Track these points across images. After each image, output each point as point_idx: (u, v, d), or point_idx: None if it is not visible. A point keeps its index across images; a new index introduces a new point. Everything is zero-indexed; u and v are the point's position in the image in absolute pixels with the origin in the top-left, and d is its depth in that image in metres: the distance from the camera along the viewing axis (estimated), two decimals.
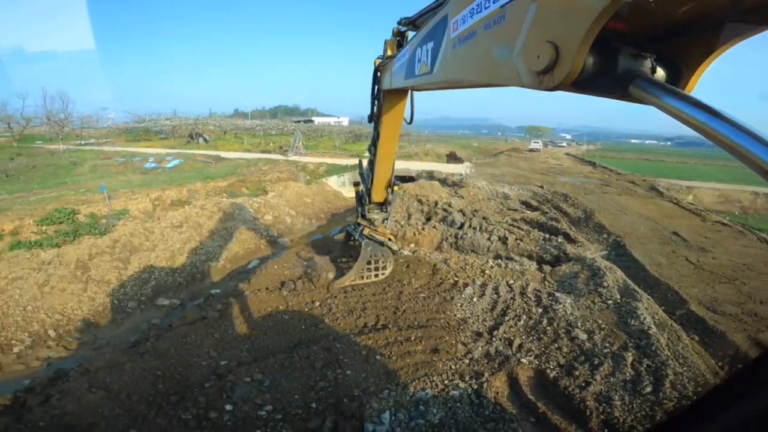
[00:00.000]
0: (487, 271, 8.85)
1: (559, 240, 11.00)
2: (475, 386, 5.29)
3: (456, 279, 8.51)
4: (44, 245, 11.10)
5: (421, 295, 7.87)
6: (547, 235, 11.33)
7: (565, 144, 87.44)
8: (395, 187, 8.51)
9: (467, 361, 5.87)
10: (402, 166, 25.95)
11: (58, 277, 10.33)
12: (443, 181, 19.93)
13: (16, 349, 9.07)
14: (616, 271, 8.92)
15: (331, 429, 4.88)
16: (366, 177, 8.67)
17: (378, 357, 6.05)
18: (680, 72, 1.49)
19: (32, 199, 15.07)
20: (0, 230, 11.27)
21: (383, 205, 8.59)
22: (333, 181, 21.98)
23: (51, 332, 9.63)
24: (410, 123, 5.95)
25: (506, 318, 6.95)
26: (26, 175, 22.51)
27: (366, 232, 8.58)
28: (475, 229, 11.79)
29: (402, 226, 11.99)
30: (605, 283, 8.02)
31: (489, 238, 11.06)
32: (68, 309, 10.14)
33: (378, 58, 5.91)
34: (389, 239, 8.84)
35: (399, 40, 5.49)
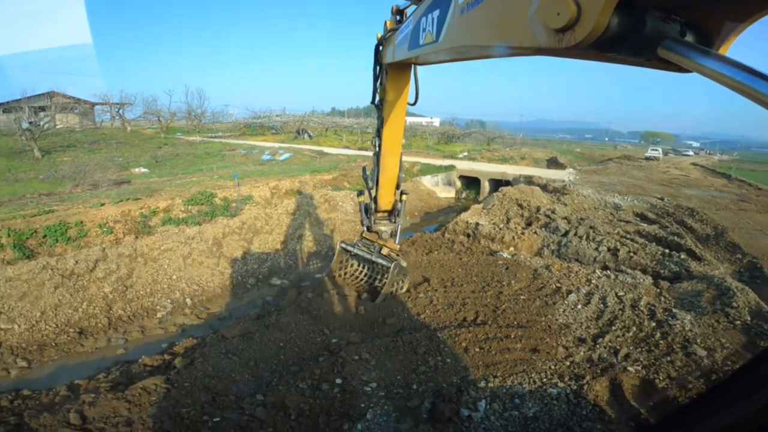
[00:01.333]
0: (593, 281, 8.46)
1: (682, 256, 9.97)
2: (575, 387, 5.26)
3: (558, 285, 8.29)
4: (189, 222, 13.25)
5: (521, 297, 7.85)
6: (666, 251, 10.34)
7: (691, 153, 76.26)
8: (404, 196, 7.60)
9: (567, 364, 5.81)
10: (497, 169, 25.31)
11: (198, 252, 12.27)
12: (544, 187, 19.05)
13: (159, 315, 10.65)
14: (748, 293, 7.92)
15: (429, 410, 5.21)
16: (371, 180, 7.63)
17: (477, 350, 6.26)
18: (710, 39, 1.38)
19: (178, 183, 17.96)
20: (156, 207, 13.71)
21: (391, 214, 7.74)
22: (427, 181, 22.37)
23: (188, 300, 11.34)
24: (414, 104, 5.64)
25: (613, 328, 6.69)
26: (171, 162, 26.77)
27: (385, 251, 7.83)
28: (581, 237, 11.21)
29: (500, 230, 11.87)
30: (735, 304, 7.23)
31: (597, 249, 10.46)
32: (203, 280, 11.93)
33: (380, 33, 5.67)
34: (398, 254, 8.06)
35: (399, 18, 5.28)
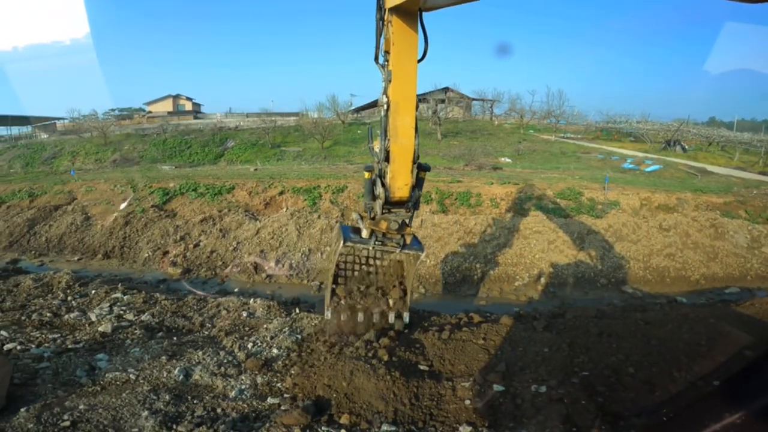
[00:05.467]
0: None
1: None
2: None
3: None
4: (556, 213, 14.77)
5: None
6: None
7: None
8: (422, 173, 5.82)
9: None
10: None
11: (562, 240, 13.61)
12: None
13: (516, 283, 12.73)
14: None
15: None
16: (377, 157, 5.91)
17: None
18: None
19: (542, 176, 19.97)
20: (531, 194, 15.98)
21: (407, 206, 5.92)
22: None
23: (542, 279, 12.88)
24: (422, 59, 5.16)
25: None
26: (530, 156, 29.67)
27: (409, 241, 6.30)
28: None
29: None
30: None
31: None
32: (560, 266, 13.09)
33: None
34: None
35: None
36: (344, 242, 6.31)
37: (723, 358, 6.30)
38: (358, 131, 37.29)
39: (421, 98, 47.48)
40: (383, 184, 5.73)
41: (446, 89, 52.03)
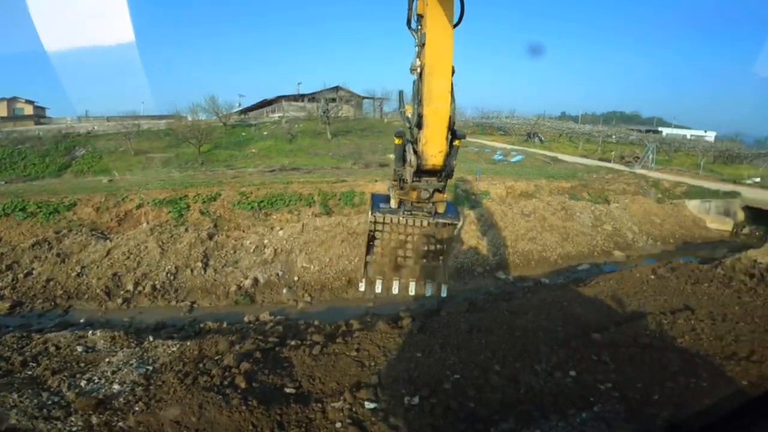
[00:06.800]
0: None
1: None
2: None
3: None
4: None
5: None
6: None
7: None
8: (456, 141, 5.28)
9: None
10: None
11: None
12: None
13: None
14: None
15: (668, 418, 4.95)
16: (410, 122, 5.42)
17: (745, 383, 5.63)
18: None
19: None
20: None
21: (440, 176, 5.42)
22: (694, 206, 18.56)
23: None
24: (458, 24, 4.78)
25: None
26: None
27: (442, 209, 5.60)
28: None
29: None
30: None
31: None
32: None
33: None
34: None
35: None
36: (372, 212, 5.79)
37: (576, 343, 6.89)
38: (243, 133, 34.78)
39: (311, 97, 46.32)
40: (415, 151, 5.16)
41: (337, 88, 51.49)
